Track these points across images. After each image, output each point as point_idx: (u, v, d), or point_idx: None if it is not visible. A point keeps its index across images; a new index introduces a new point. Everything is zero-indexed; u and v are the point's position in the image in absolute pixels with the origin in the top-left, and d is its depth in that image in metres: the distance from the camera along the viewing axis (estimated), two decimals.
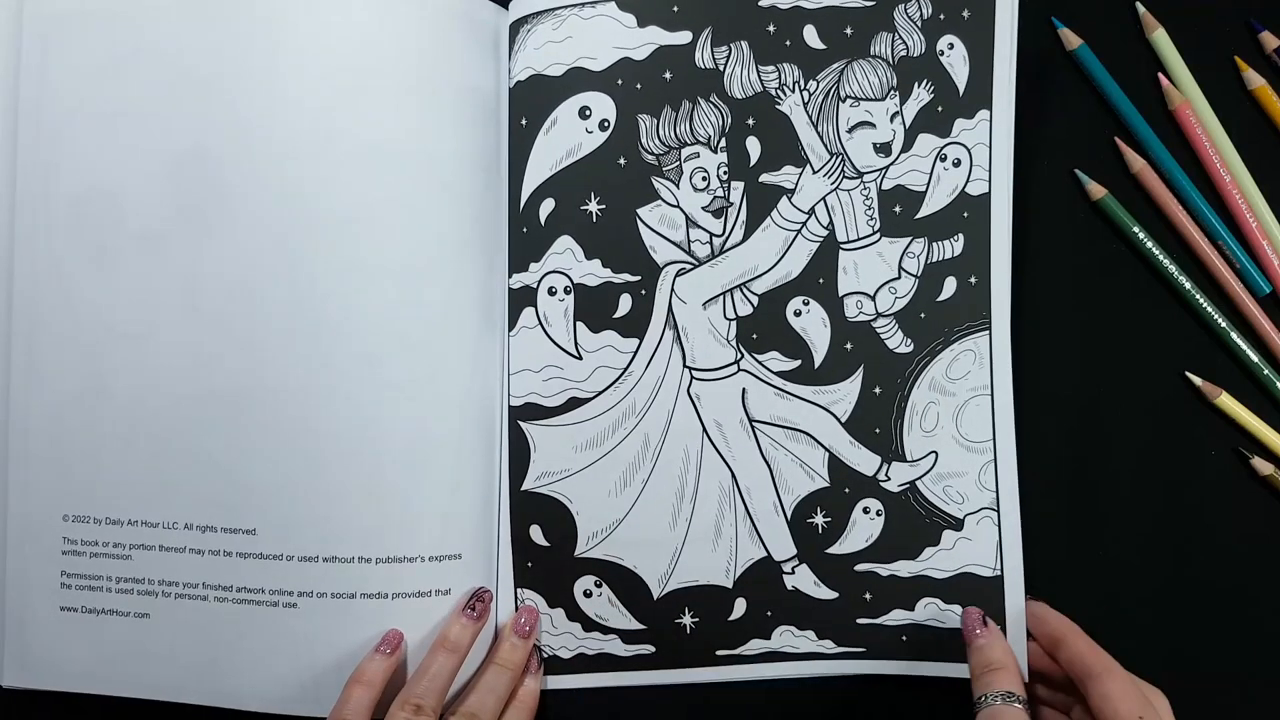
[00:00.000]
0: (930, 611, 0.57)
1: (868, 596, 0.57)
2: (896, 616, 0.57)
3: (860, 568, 0.57)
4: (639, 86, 0.56)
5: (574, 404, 0.57)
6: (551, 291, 0.57)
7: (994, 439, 0.56)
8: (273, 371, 0.54)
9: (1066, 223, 0.58)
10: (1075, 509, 0.57)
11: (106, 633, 0.56)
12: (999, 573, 0.56)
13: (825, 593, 0.57)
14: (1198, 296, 0.57)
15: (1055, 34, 0.59)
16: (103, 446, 0.56)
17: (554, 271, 0.57)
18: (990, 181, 0.56)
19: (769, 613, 0.57)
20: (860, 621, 0.57)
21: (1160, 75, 0.58)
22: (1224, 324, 0.57)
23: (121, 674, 0.56)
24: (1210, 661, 0.56)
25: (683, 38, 0.56)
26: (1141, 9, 0.58)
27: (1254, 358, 0.57)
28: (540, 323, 0.57)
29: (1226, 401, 0.56)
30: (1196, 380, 0.57)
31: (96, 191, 0.55)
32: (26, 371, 0.56)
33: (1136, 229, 0.57)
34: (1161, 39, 0.58)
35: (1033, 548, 0.56)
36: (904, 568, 0.57)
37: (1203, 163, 0.57)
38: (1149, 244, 0.57)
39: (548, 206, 0.57)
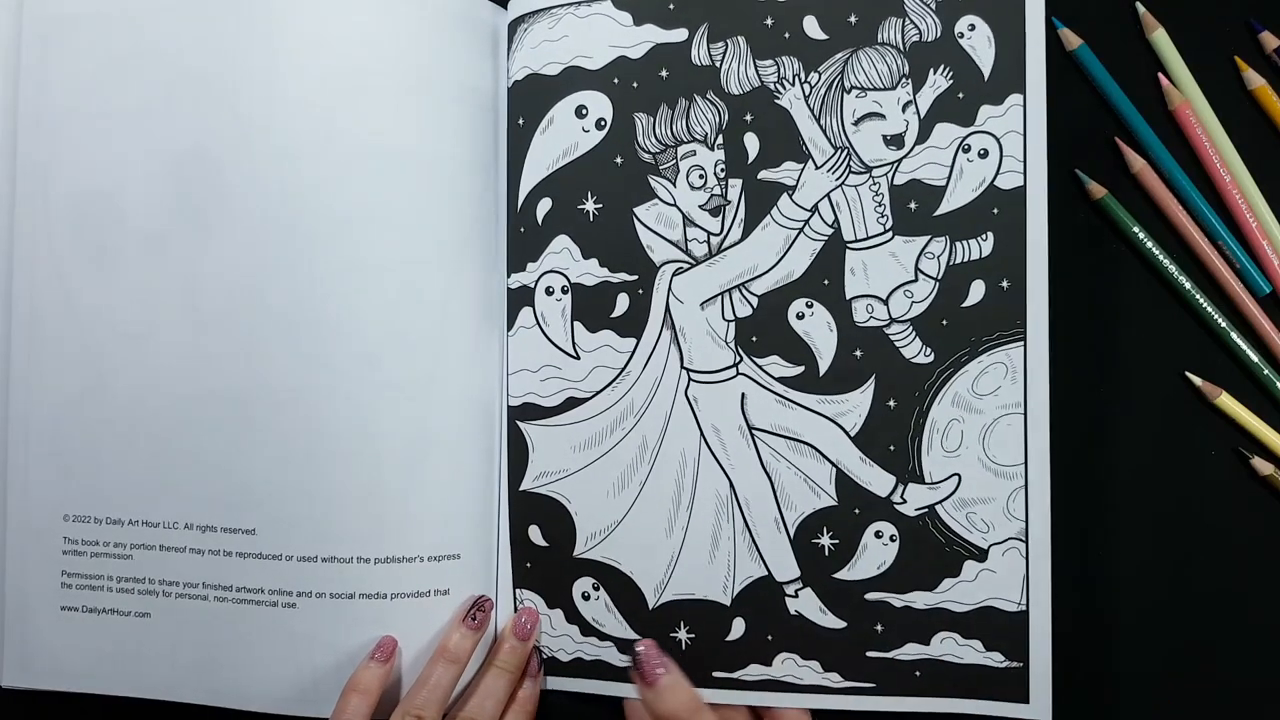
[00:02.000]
0: (947, 647, 0.54)
1: (879, 628, 0.54)
2: (910, 651, 0.54)
3: (871, 596, 0.54)
4: (635, 85, 0.56)
5: (572, 404, 0.56)
6: (549, 291, 0.57)
7: (1025, 463, 0.53)
8: (273, 371, 0.54)
9: (1066, 223, 0.58)
10: (1075, 510, 0.57)
11: (107, 632, 0.56)
12: (1024, 608, 0.53)
13: (832, 621, 0.55)
14: (1198, 296, 0.57)
15: (1055, 34, 0.58)
16: (103, 446, 0.56)
17: (551, 271, 0.56)
18: (1025, 174, 0.53)
19: (770, 637, 0.55)
20: (870, 655, 0.54)
21: (1160, 75, 0.58)
22: (1224, 324, 0.57)
23: (122, 673, 0.56)
24: (1210, 662, 0.56)
25: (679, 35, 0.55)
26: (1141, 9, 0.58)
27: (1254, 358, 0.57)
28: (538, 322, 0.57)
29: (1226, 401, 0.56)
30: (1196, 380, 0.57)
31: (96, 192, 0.55)
32: (26, 372, 0.56)
33: (1136, 229, 0.57)
34: (1161, 39, 0.58)
35: None
36: (920, 599, 0.54)
37: (1203, 163, 0.57)
38: (1149, 244, 0.57)
39: (544, 206, 0.57)
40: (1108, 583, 0.57)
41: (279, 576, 0.54)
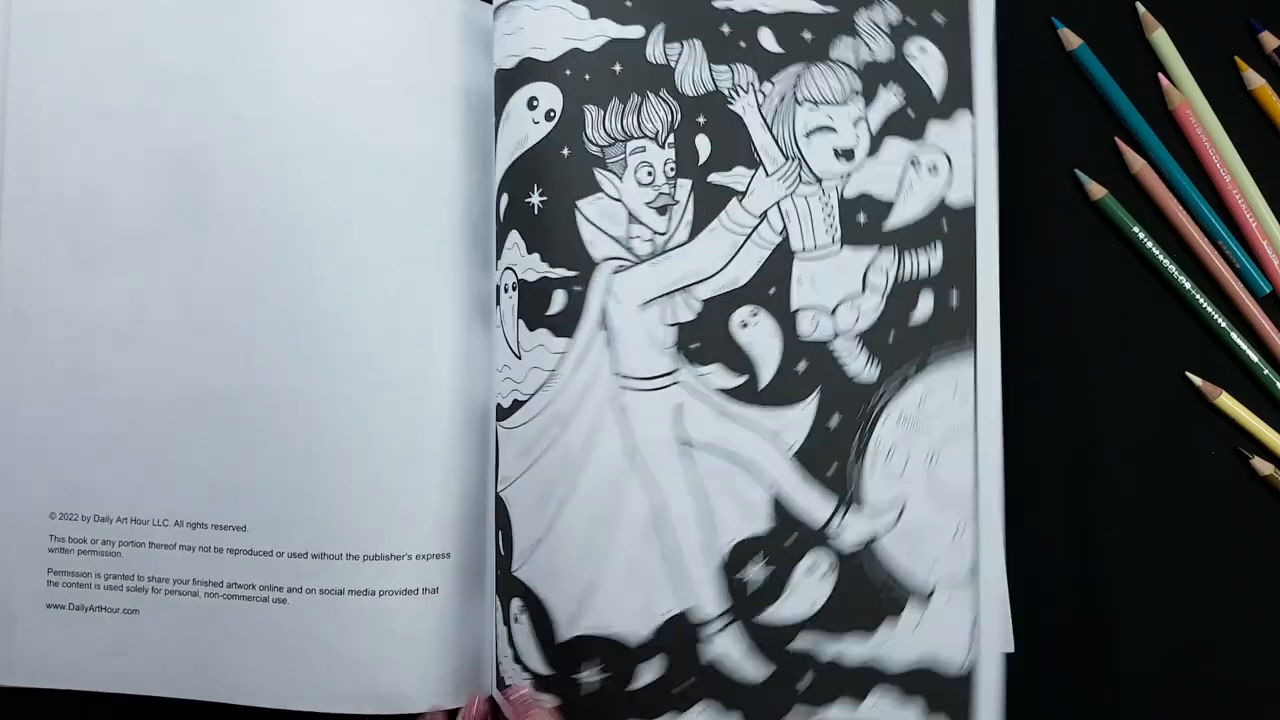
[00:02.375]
0: (882, 710, 0.49)
1: (806, 681, 0.49)
2: (840, 713, 0.49)
3: (798, 642, 0.49)
4: (587, 78, 0.52)
5: (516, 406, 0.53)
6: (504, 289, 0.54)
7: (976, 489, 0.50)
8: (266, 370, 0.54)
9: (1067, 223, 0.58)
10: (1074, 510, 0.57)
11: (94, 629, 0.56)
12: (973, 660, 0.49)
13: (755, 669, 0.50)
14: (1198, 296, 0.57)
15: (1055, 34, 0.59)
16: (92, 445, 0.55)
17: (507, 268, 0.53)
18: (975, 189, 0.52)
19: (690, 680, 0.50)
20: (796, 712, 0.49)
21: (1160, 75, 0.58)
22: (1224, 324, 0.57)
23: (110, 670, 0.56)
24: (1210, 662, 0.56)
25: (635, 32, 0.52)
26: (1141, 9, 0.58)
27: (1254, 358, 0.56)
28: (500, 321, 0.54)
29: (1226, 401, 0.56)
30: (1196, 380, 0.57)
31: (86, 192, 0.55)
32: (11, 370, 0.56)
33: (1136, 229, 0.57)
34: (1161, 39, 0.58)
35: (1031, 549, 0.56)
36: (853, 648, 0.49)
37: (1203, 163, 0.57)
38: (1149, 244, 0.57)
39: (504, 202, 0.54)
40: (1108, 583, 0.56)
41: (270, 572, 0.54)
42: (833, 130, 0.52)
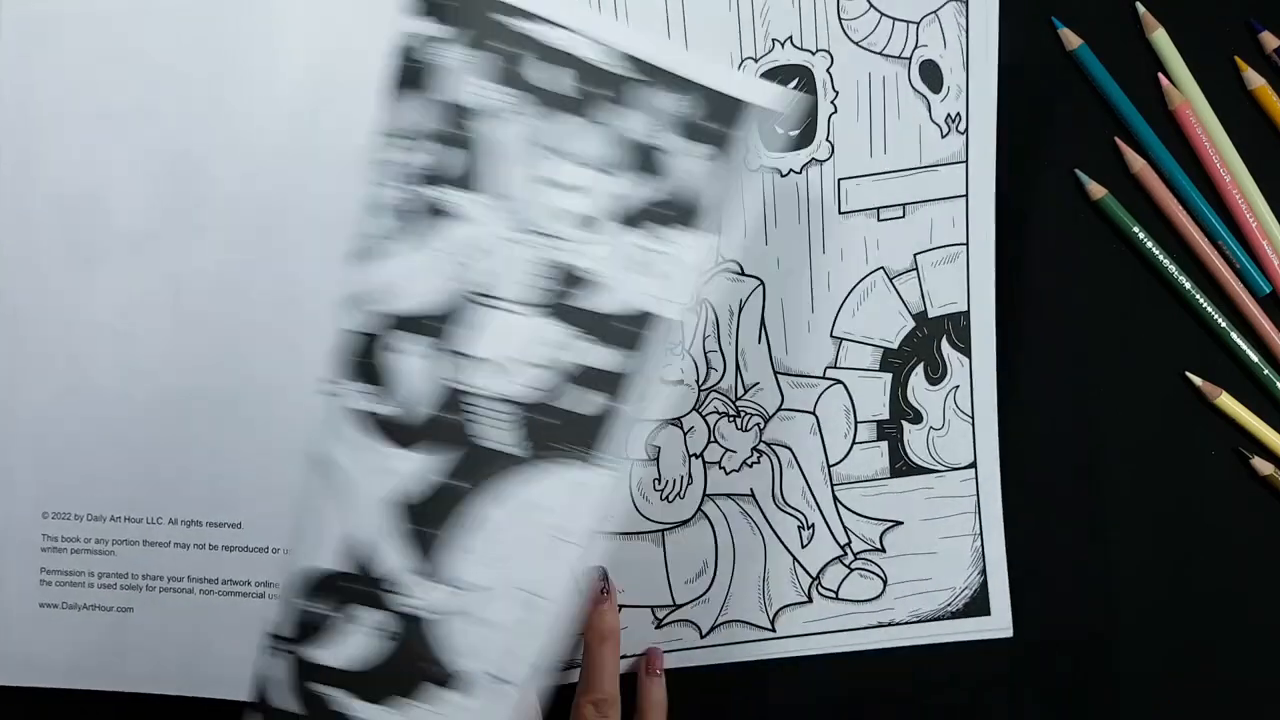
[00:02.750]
0: None
1: None
2: None
3: (331, 690, 0.48)
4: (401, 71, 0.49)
5: None
6: None
7: (550, 597, 0.48)
8: (258, 368, 0.54)
9: (1067, 223, 0.58)
10: (1074, 510, 0.57)
11: (88, 628, 0.56)
12: None
13: (288, 702, 0.49)
14: (1198, 296, 0.57)
15: (1055, 34, 0.59)
16: (86, 445, 0.55)
17: None
18: (675, 307, 0.48)
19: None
20: None
21: (1160, 75, 0.58)
22: (1224, 324, 0.57)
23: (104, 668, 0.56)
24: (1210, 662, 0.56)
25: (447, 32, 0.49)
26: (1141, 9, 0.58)
27: (1254, 358, 0.56)
28: None
29: (1226, 401, 0.56)
30: (1196, 380, 0.57)
31: (81, 193, 0.55)
32: (10, 370, 0.55)
33: (1136, 229, 0.57)
34: (1161, 39, 0.58)
35: (1031, 549, 0.55)
36: (381, 715, 0.48)
37: (1203, 163, 0.57)
38: (1149, 244, 0.57)
39: None
40: (1108, 583, 0.56)
41: (264, 568, 0.54)
42: (576, 191, 0.48)
